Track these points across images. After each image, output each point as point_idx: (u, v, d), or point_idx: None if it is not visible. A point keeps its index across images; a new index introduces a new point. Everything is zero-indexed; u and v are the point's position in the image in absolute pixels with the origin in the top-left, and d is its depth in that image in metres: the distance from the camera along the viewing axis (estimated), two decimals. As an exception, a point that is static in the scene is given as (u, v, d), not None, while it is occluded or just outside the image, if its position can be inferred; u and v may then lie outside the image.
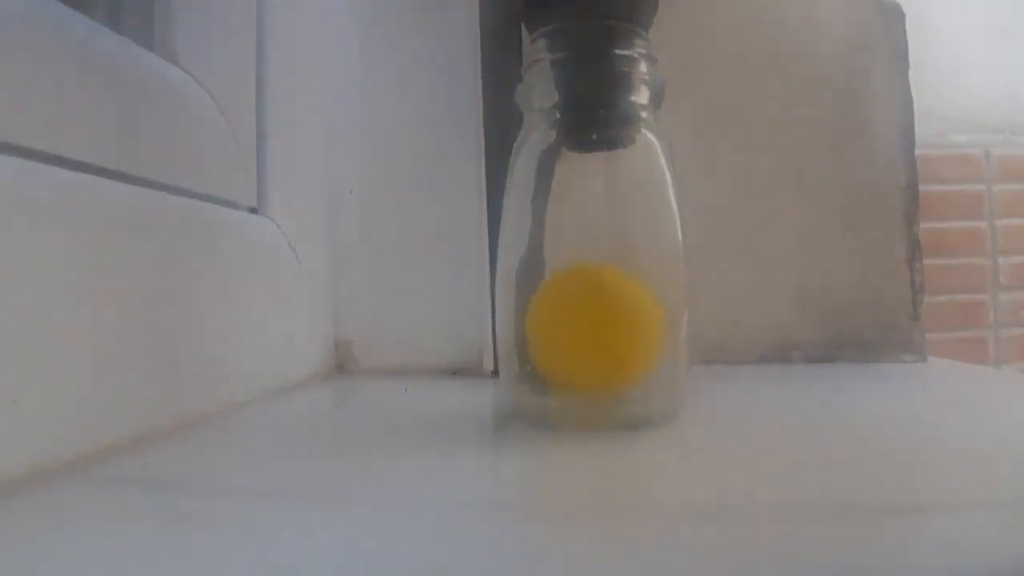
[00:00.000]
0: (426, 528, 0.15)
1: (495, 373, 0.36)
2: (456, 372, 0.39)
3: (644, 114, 0.24)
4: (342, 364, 0.39)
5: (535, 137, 0.24)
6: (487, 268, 0.37)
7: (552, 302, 0.24)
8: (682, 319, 0.24)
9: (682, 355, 0.24)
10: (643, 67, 0.23)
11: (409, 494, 0.18)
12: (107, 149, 0.23)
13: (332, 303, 0.39)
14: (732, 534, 0.15)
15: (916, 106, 0.41)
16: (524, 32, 0.25)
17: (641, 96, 0.23)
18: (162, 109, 0.27)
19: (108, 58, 0.24)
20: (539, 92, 0.23)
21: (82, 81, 0.22)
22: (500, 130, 0.37)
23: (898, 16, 0.42)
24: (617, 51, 0.23)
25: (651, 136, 0.24)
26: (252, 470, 0.20)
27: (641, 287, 0.24)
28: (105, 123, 0.23)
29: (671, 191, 0.24)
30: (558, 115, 0.24)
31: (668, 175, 0.24)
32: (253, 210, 0.33)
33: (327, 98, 0.40)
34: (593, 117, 0.23)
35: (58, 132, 0.21)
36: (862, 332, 0.40)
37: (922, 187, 0.41)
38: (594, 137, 0.24)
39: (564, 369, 0.24)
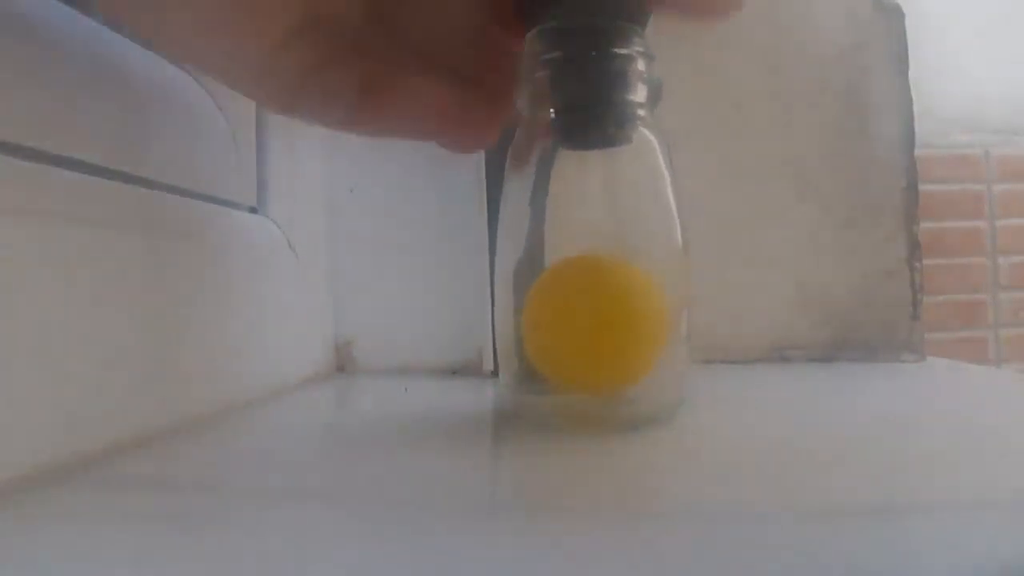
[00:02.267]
0: (426, 528, 0.15)
1: (495, 373, 0.36)
2: (456, 372, 0.39)
3: (642, 112, 0.24)
4: (342, 365, 0.39)
5: (533, 136, 0.24)
6: (487, 268, 0.37)
7: (548, 295, 0.24)
8: (683, 318, 0.24)
9: (682, 354, 0.24)
10: (640, 65, 0.23)
11: (409, 494, 0.18)
12: (106, 149, 0.23)
13: (332, 303, 0.39)
14: (732, 534, 0.15)
15: (916, 106, 0.41)
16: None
17: (638, 94, 0.23)
18: (162, 108, 0.27)
19: (107, 57, 0.24)
20: (536, 91, 0.23)
21: (81, 80, 0.22)
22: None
23: (898, 16, 0.42)
24: (614, 49, 0.23)
25: (649, 135, 0.24)
26: (252, 470, 0.20)
27: (643, 277, 0.23)
28: (104, 123, 0.23)
29: (670, 190, 0.24)
30: (555, 114, 0.24)
31: (667, 174, 0.24)
32: (253, 210, 0.33)
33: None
34: (590, 116, 0.23)
35: (58, 132, 0.21)
36: (862, 332, 0.40)
37: (922, 187, 0.41)
38: (592, 136, 0.24)
39: (562, 367, 0.24)
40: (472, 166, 0.38)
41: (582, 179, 0.25)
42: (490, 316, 0.37)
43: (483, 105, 0.23)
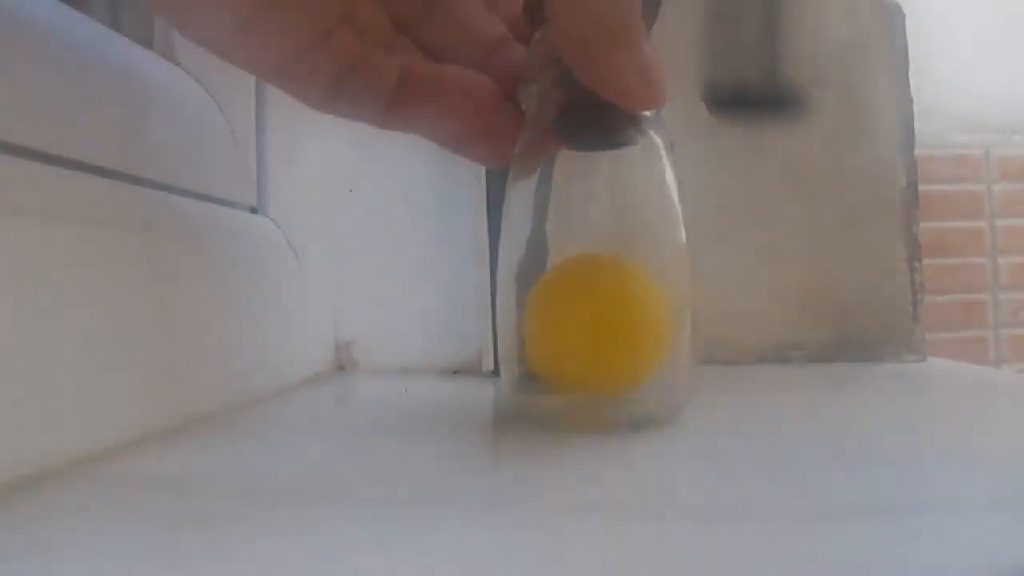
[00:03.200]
0: (425, 528, 0.15)
1: (495, 373, 0.36)
2: (456, 372, 0.39)
3: (647, 113, 0.24)
4: (342, 364, 0.39)
5: (537, 136, 0.24)
6: (487, 268, 0.37)
7: (551, 295, 0.24)
8: (686, 319, 0.24)
9: (686, 355, 0.24)
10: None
11: (409, 494, 0.18)
12: (106, 149, 0.23)
13: (332, 303, 0.39)
14: (733, 535, 0.15)
15: (916, 106, 0.41)
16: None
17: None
18: (162, 108, 0.27)
19: (107, 57, 0.24)
20: (540, 91, 0.23)
21: (81, 80, 0.22)
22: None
23: (898, 16, 0.41)
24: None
25: (653, 135, 0.24)
26: (252, 470, 0.20)
27: (647, 277, 0.23)
28: (104, 123, 0.23)
29: (674, 190, 0.24)
30: (559, 114, 0.24)
31: (671, 174, 0.24)
32: (253, 210, 0.33)
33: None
34: (595, 116, 0.23)
35: (58, 132, 0.21)
36: (862, 332, 0.40)
37: (922, 187, 0.41)
38: (596, 137, 0.24)
39: (564, 368, 0.23)
40: (472, 165, 0.38)
41: (586, 180, 0.25)
42: (490, 316, 0.37)
43: (515, 114, 0.24)
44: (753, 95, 0.22)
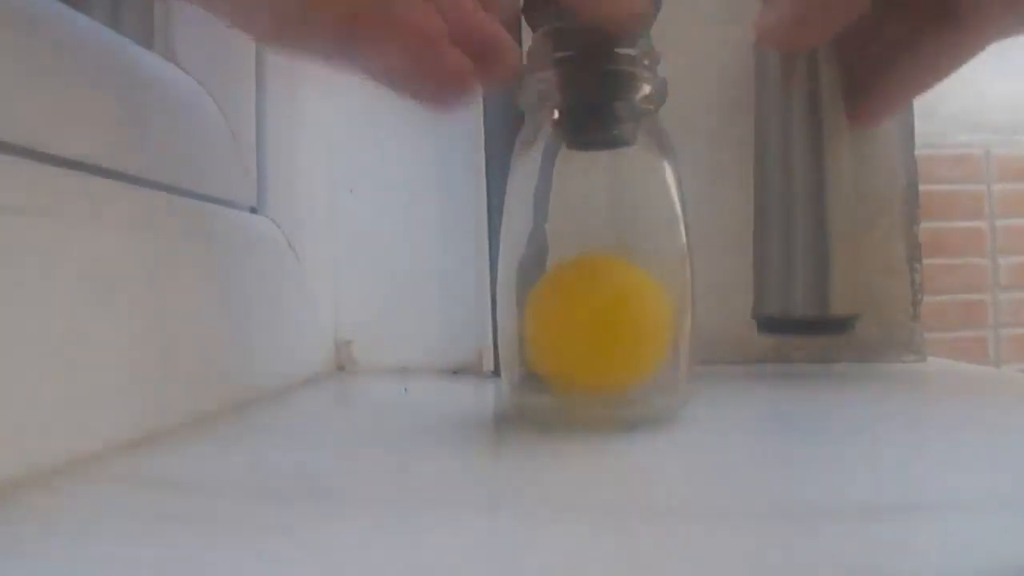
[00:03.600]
0: (425, 528, 0.15)
1: (495, 373, 0.36)
2: (456, 372, 0.39)
3: (646, 113, 0.24)
4: (342, 364, 0.39)
5: (536, 136, 0.24)
6: (487, 268, 0.37)
7: (551, 296, 0.24)
8: (685, 319, 0.24)
9: (685, 355, 0.24)
10: (645, 66, 0.23)
11: (408, 494, 0.18)
12: (106, 149, 0.23)
13: (332, 303, 0.39)
14: (733, 535, 0.15)
15: (916, 106, 0.41)
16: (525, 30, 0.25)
17: (643, 95, 0.23)
18: (162, 108, 0.27)
19: (108, 57, 0.24)
20: (540, 91, 0.23)
21: (81, 80, 0.22)
22: (500, 130, 0.37)
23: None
24: (619, 50, 0.23)
25: (653, 135, 0.24)
26: (252, 470, 0.20)
27: (646, 278, 0.23)
28: (104, 123, 0.23)
29: (674, 190, 0.24)
30: (559, 114, 0.24)
31: (671, 174, 0.24)
32: (253, 210, 0.33)
33: (327, 97, 0.40)
34: (595, 116, 0.23)
35: (58, 132, 0.21)
36: (862, 332, 0.40)
37: (922, 187, 0.41)
38: (596, 136, 0.24)
39: (564, 368, 0.24)
40: (472, 165, 0.38)
41: (586, 179, 0.25)
42: (490, 316, 0.37)
43: (462, 58, 0.23)
44: (803, 324, 0.23)
